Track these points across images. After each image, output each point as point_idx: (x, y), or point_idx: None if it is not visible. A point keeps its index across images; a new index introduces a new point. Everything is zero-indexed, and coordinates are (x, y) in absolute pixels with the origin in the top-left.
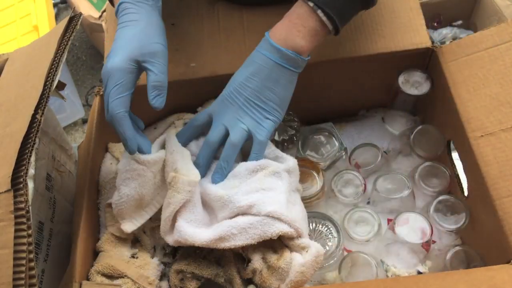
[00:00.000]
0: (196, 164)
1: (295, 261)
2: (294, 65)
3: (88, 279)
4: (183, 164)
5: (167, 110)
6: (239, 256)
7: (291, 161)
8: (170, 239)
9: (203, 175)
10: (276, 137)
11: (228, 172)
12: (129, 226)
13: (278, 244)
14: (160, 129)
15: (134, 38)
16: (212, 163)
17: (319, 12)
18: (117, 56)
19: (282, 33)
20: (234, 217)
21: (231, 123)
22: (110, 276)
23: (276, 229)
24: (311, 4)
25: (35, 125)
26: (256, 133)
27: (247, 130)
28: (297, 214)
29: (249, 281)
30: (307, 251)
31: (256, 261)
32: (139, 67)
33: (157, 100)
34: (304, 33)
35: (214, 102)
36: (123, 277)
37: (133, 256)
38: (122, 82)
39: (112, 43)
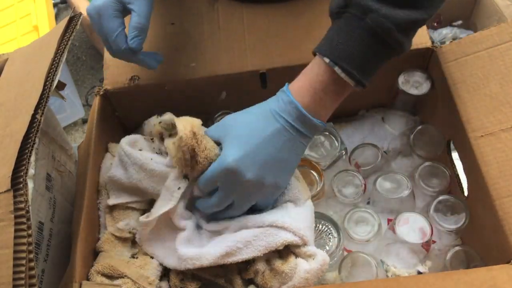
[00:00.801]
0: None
1: (300, 267)
2: (312, 134)
3: (88, 279)
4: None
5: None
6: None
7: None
8: (178, 266)
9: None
10: None
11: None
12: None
13: (284, 250)
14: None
15: None
16: None
17: (337, 69)
18: None
19: (305, 99)
20: (238, 231)
21: (237, 199)
22: (110, 276)
23: (281, 238)
24: (326, 60)
25: (35, 125)
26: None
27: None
28: (302, 222)
29: (250, 281)
30: (313, 259)
31: (260, 263)
32: (124, 8)
33: (134, 41)
34: (325, 101)
35: (220, 168)
36: (123, 277)
37: (133, 256)
38: (114, 17)
39: None
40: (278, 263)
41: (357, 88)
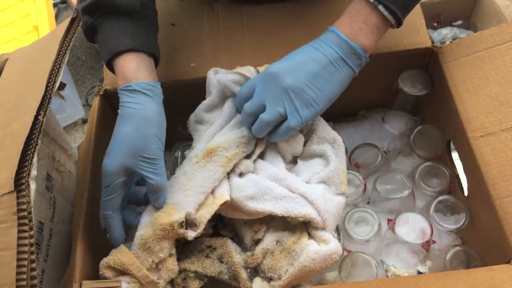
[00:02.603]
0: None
1: (310, 247)
2: (356, 63)
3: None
4: None
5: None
6: (243, 246)
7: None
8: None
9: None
10: None
11: None
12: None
13: (299, 229)
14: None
15: (127, 139)
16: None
17: (380, 7)
18: (110, 159)
19: (345, 30)
20: (272, 181)
21: (270, 101)
22: (119, 271)
23: (305, 211)
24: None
25: (37, 126)
26: (290, 119)
27: (283, 114)
28: (330, 208)
29: (255, 273)
30: (326, 244)
31: (270, 242)
32: (132, 172)
33: (159, 202)
34: (366, 31)
35: (262, 73)
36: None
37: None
38: (111, 185)
39: None
40: (289, 242)
41: (394, 27)
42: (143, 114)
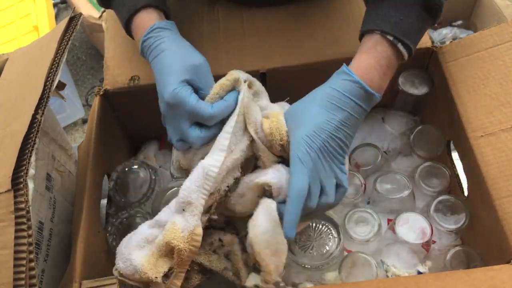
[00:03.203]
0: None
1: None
2: (372, 105)
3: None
4: None
5: None
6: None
7: None
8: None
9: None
10: None
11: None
12: None
13: None
14: None
15: (177, 57)
16: None
17: (400, 46)
18: (171, 84)
19: (372, 79)
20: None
21: (324, 179)
22: None
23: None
24: (390, 38)
25: (35, 125)
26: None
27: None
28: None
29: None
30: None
31: None
32: (191, 85)
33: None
34: (388, 75)
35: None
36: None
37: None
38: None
39: (112, 44)
40: None
41: (404, 61)
42: (177, 39)
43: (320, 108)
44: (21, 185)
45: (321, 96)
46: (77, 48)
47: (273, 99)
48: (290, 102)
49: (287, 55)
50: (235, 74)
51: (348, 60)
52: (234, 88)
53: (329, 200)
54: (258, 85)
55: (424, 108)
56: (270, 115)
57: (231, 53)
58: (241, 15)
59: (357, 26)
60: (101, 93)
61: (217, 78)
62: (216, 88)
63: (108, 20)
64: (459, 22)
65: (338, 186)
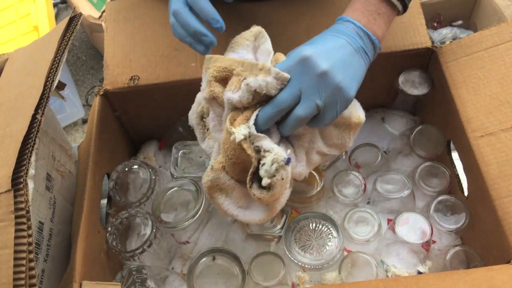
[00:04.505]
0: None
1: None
2: (372, 54)
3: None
4: None
5: (167, 111)
6: None
7: None
8: None
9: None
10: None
11: None
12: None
13: None
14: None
15: None
16: None
17: None
18: None
19: (361, 20)
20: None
21: (305, 92)
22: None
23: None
24: None
25: (35, 125)
26: (327, 113)
27: (320, 107)
28: None
29: None
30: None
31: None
32: None
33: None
34: (379, 21)
35: (292, 58)
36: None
37: None
38: None
39: (112, 43)
40: None
41: (399, 14)
42: None
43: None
44: (21, 185)
45: (317, 39)
46: (77, 48)
47: None
48: None
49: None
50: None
51: None
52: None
53: (299, 112)
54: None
55: (424, 108)
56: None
57: None
58: (240, 13)
59: None
60: (101, 93)
61: None
62: None
63: (108, 20)
64: (459, 22)
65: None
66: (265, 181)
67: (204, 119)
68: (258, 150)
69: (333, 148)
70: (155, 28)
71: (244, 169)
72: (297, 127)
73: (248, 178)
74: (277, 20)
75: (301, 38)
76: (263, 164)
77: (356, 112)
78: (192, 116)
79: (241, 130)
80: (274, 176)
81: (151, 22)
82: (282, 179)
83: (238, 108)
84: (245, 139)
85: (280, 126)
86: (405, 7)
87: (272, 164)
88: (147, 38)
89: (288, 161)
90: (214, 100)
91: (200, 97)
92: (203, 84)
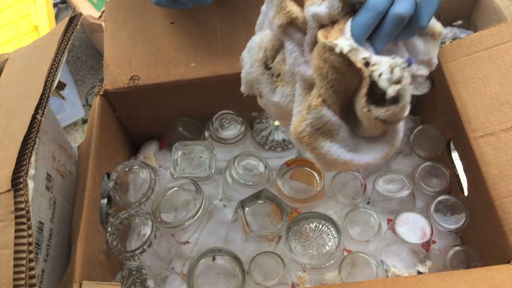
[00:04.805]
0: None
1: None
2: None
3: None
4: None
5: (167, 111)
6: None
7: None
8: None
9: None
10: (276, 137)
11: None
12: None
13: None
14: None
15: None
16: None
17: None
18: None
19: None
20: None
21: None
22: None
23: None
24: None
25: (35, 125)
26: (421, 12)
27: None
28: None
29: None
30: None
31: None
32: None
33: None
34: None
35: None
36: None
37: None
38: None
39: (111, 43)
40: None
41: None
42: None
43: None
44: (21, 185)
45: None
46: (77, 48)
47: None
48: None
49: None
50: None
51: None
52: None
53: (399, 10)
54: None
55: (424, 108)
56: None
57: (231, 52)
58: (241, 11)
59: None
60: (101, 93)
61: (216, 77)
62: None
63: (108, 20)
64: (459, 22)
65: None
66: (392, 89)
67: (269, 66)
68: (366, 63)
69: (422, 66)
70: (154, 28)
71: (346, 99)
72: (396, 32)
73: (362, 101)
74: None
75: None
76: (380, 74)
77: (434, 20)
78: (252, 69)
79: (342, 41)
80: (399, 81)
81: (150, 21)
82: (410, 83)
83: (324, 26)
84: (350, 51)
85: (374, 38)
86: None
87: (392, 70)
88: (147, 37)
89: (410, 61)
90: (291, 25)
91: (258, 41)
92: (262, 19)
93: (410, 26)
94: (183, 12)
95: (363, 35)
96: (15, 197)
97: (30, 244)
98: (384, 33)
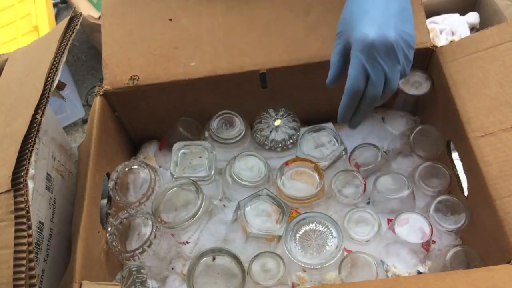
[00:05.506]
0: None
1: None
2: None
3: None
4: None
5: (167, 111)
6: None
7: None
8: None
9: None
10: (276, 137)
11: None
12: None
13: None
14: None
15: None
16: None
17: None
18: None
19: None
20: None
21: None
22: None
23: None
24: None
25: (35, 125)
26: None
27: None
28: None
29: None
30: None
31: None
32: None
33: None
34: None
35: (361, 50)
36: None
37: None
38: None
39: (109, 40)
40: None
41: None
42: None
43: (359, 2)
44: (21, 185)
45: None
46: (77, 48)
47: (273, 99)
48: (291, 102)
49: (287, 55)
50: None
51: None
52: None
53: (376, 91)
54: None
55: (424, 108)
56: None
57: (231, 52)
58: (241, 9)
59: None
60: (101, 93)
61: (216, 77)
62: None
63: (105, 15)
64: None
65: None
66: None
67: None
68: None
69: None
70: (153, 25)
71: None
72: (373, 106)
73: None
74: (277, 18)
75: (301, 35)
76: None
77: None
78: None
79: None
80: None
81: (149, 18)
82: None
83: None
84: None
85: (354, 115)
86: None
87: None
88: (145, 35)
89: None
90: None
91: None
92: None
93: (384, 94)
94: (182, 8)
95: (344, 118)
96: (15, 197)
97: (30, 244)
98: (363, 112)
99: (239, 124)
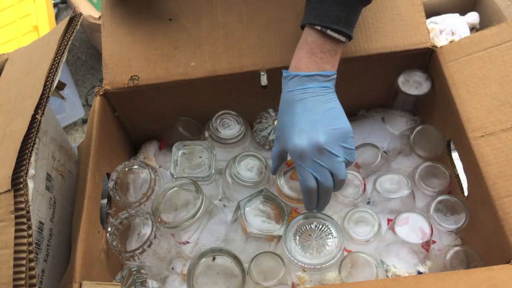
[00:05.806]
0: None
1: None
2: (332, 83)
3: None
4: None
5: (167, 111)
6: None
7: None
8: None
9: None
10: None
11: None
12: None
13: None
14: None
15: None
16: None
17: (329, 32)
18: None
19: (310, 67)
20: None
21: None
22: None
23: None
24: (318, 28)
25: (35, 125)
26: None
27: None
28: None
29: None
30: None
31: None
32: None
33: None
34: (326, 58)
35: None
36: None
37: None
38: None
39: (109, 41)
40: None
41: (347, 42)
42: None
43: (288, 115)
44: (21, 185)
45: (283, 105)
46: (77, 48)
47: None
48: None
49: (287, 55)
50: None
51: (347, 60)
52: None
53: (326, 186)
54: None
55: (424, 108)
56: None
57: (231, 52)
58: (240, 9)
59: (358, 23)
60: (101, 93)
61: (216, 77)
62: None
63: (105, 15)
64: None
65: (334, 175)
66: None
67: None
68: None
69: None
70: (153, 24)
71: None
72: (329, 196)
73: None
74: (277, 17)
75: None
76: None
77: None
78: None
79: None
80: None
81: (149, 18)
82: None
83: None
84: None
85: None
86: (349, 37)
87: None
88: (145, 35)
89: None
90: None
91: None
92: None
93: (336, 184)
94: (181, 8)
95: (310, 208)
96: (15, 197)
97: (30, 244)
98: (323, 201)
99: (239, 124)
